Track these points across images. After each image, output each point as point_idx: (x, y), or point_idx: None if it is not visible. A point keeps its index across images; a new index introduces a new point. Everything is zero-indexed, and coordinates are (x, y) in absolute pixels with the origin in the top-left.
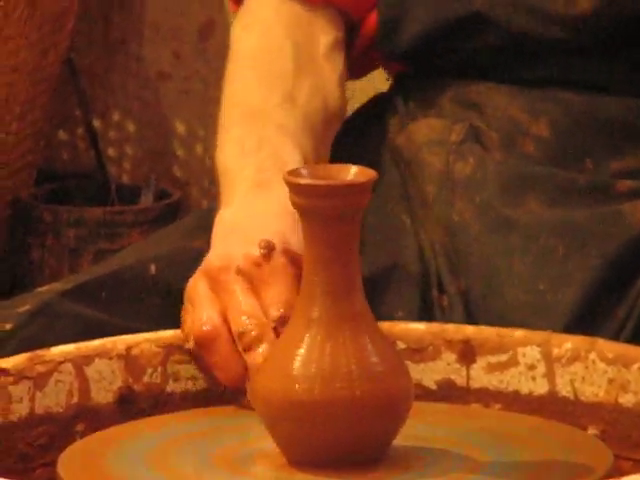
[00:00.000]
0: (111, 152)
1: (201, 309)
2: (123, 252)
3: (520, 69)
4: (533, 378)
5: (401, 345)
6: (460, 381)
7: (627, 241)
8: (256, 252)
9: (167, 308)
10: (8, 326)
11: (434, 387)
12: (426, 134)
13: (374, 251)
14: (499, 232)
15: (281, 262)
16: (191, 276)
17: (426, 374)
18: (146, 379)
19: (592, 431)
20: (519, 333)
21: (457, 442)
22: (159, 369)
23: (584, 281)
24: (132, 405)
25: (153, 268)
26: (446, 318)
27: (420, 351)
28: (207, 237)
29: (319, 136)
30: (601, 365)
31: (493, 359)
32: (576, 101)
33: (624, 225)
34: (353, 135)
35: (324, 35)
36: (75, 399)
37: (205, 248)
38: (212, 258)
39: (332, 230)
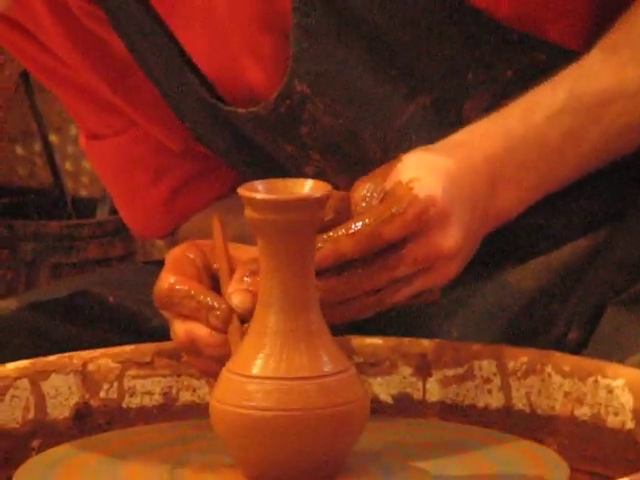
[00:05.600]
0: (68, 166)
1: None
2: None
3: None
4: (489, 391)
5: (357, 359)
6: (417, 395)
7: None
8: None
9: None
10: None
11: (390, 401)
12: None
13: None
14: None
15: None
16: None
17: (382, 388)
18: (102, 394)
19: (548, 444)
20: (475, 347)
21: (413, 456)
22: (115, 384)
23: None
24: (89, 420)
25: (111, 298)
26: None
27: (376, 365)
28: None
29: None
30: (557, 378)
31: (449, 372)
32: None
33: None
34: None
35: None
36: (31, 415)
37: None
38: None
39: (288, 244)
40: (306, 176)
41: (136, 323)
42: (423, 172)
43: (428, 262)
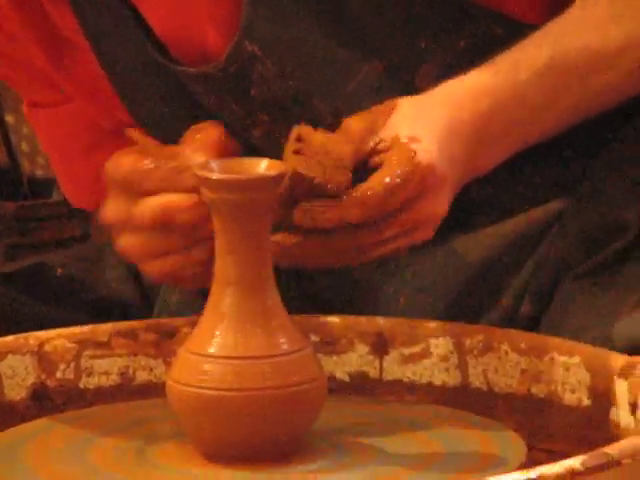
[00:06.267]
0: (24, 146)
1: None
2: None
3: None
4: (446, 369)
5: (314, 338)
6: (373, 373)
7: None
8: None
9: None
10: None
11: (347, 380)
12: None
13: None
14: None
15: None
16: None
17: (339, 366)
18: (59, 375)
19: (506, 422)
20: (432, 325)
21: (369, 434)
22: (72, 365)
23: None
24: (46, 401)
25: (59, 270)
26: None
27: (333, 343)
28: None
29: None
30: (513, 356)
31: (406, 351)
32: None
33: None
34: None
35: None
36: None
37: None
38: None
39: (243, 223)
40: (254, 139)
41: (79, 294)
42: (421, 131)
43: (416, 225)
